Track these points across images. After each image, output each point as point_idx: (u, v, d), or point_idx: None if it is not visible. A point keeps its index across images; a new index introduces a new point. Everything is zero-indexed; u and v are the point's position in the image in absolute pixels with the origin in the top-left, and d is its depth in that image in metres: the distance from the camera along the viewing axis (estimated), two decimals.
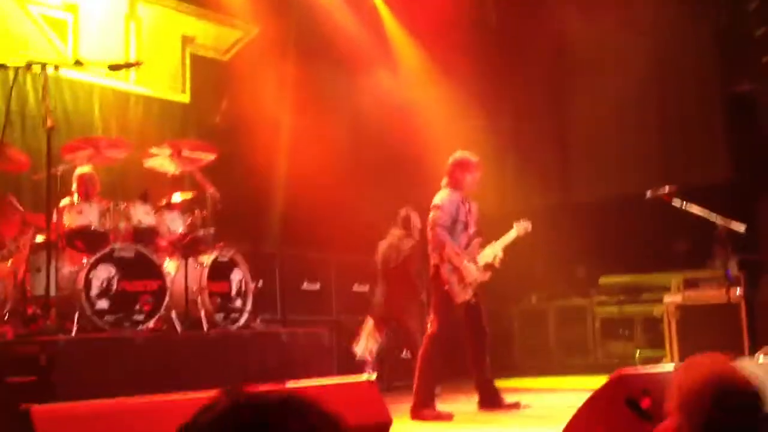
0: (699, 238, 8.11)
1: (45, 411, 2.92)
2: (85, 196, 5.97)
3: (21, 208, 5.81)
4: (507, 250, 6.08)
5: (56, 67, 5.01)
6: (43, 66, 5.07)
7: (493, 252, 5.96)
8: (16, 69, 4.10)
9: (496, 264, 5.99)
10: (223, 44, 9.16)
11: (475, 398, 6.08)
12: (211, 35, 9.03)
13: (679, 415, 1.86)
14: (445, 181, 6.06)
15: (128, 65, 3.41)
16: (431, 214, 5.89)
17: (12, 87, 4.21)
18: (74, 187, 6.22)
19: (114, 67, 3.53)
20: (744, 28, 8.75)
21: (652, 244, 9.58)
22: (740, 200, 8.53)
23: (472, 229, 5.97)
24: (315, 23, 9.33)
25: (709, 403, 1.82)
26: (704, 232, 6.98)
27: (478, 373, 5.97)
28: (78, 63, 3.27)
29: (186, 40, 8.77)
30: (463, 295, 5.75)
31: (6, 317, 5.39)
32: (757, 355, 4.13)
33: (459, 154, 6.10)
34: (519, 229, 6.11)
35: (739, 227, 5.92)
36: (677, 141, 9.59)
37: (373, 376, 3.01)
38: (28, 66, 5.23)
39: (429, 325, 5.84)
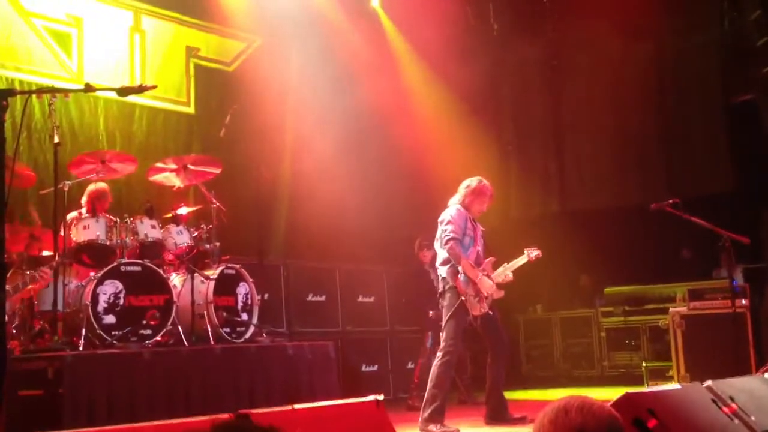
0: (703, 248, 8.13)
1: None
2: (93, 210, 5.99)
3: (39, 221, 5.87)
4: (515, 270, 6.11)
5: (66, 94, 5.04)
6: (53, 90, 5.10)
7: (504, 272, 5.99)
8: (27, 96, 4.10)
9: (506, 282, 6.03)
10: (228, 55, 9.17)
11: (481, 411, 6.09)
12: (214, 46, 9.03)
13: None
14: (455, 200, 6.00)
15: (140, 89, 3.39)
16: (441, 229, 5.87)
17: (24, 111, 4.21)
18: (84, 200, 6.23)
19: (124, 92, 3.52)
20: (745, 37, 8.74)
21: (657, 254, 9.58)
22: (744, 209, 8.54)
23: (479, 246, 5.96)
24: (318, 34, 9.36)
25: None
26: (708, 242, 7.00)
27: (491, 383, 5.97)
28: (88, 88, 3.25)
29: (190, 51, 8.79)
30: (479, 308, 5.76)
31: (14, 332, 5.39)
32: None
33: (476, 183, 5.98)
34: (529, 255, 6.12)
35: (744, 239, 5.94)
36: (679, 150, 9.57)
37: (381, 397, 3.01)
38: (39, 95, 5.23)
39: (442, 339, 5.80)
